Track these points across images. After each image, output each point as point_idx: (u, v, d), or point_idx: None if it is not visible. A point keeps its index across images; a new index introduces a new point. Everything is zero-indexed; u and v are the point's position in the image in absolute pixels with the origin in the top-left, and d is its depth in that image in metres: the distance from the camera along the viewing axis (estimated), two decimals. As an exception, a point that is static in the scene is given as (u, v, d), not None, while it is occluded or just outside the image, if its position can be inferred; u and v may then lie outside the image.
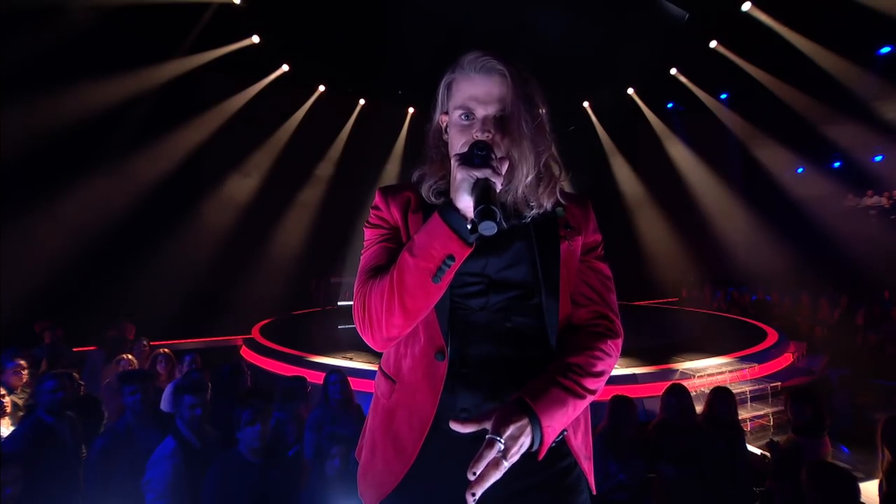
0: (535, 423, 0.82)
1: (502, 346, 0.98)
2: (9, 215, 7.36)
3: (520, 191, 0.98)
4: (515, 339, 0.98)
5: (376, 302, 0.90)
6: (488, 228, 0.75)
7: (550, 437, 0.84)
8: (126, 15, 7.96)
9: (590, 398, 0.92)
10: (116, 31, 8.11)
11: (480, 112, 0.94)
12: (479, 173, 0.81)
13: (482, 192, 0.79)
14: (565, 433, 1.00)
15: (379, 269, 0.95)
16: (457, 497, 0.95)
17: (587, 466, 1.04)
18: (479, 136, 0.93)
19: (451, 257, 0.84)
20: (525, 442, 0.80)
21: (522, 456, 0.81)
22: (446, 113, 1.02)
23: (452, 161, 0.84)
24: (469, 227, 0.82)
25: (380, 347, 0.97)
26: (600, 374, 0.95)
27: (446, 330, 0.97)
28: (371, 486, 1.03)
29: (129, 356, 4.01)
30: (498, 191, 0.82)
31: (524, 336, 0.98)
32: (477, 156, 0.83)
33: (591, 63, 10.27)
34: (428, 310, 0.92)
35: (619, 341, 1.02)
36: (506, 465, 0.77)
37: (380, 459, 1.03)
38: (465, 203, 0.82)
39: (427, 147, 1.09)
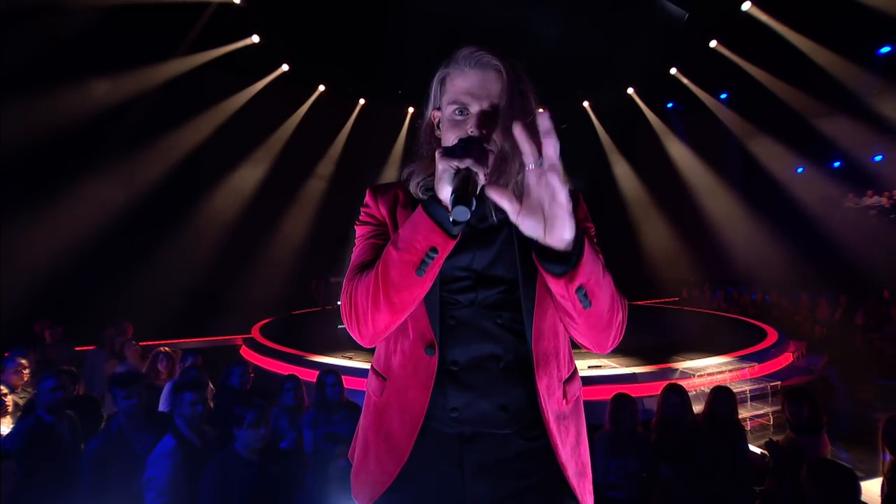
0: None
1: (492, 343, 0.96)
2: (9, 215, 7.36)
3: (510, 186, 0.95)
4: (504, 336, 0.96)
5: (362, 297, 0.89)
6: (461, 214, 0.73)
7: (581, 240, 0.79)
8: (126, 14, 7.97)
9: (611, 291, 0.86)
10: (116, 30, 8.11)
11: (475, 107, 0.93)
12: (458, 163, 0.79)
13: (462, 180, 0.77)
14: (567, 385, 1.00)
15: (365, 266, 0.94)
16: (449, 496, 0.94)
17: (577, 482, 0.98)
18: (473, 131, 0.91)
19: (434, 249, 0.82)
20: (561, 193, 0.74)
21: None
22: (439, 108, 1.01)
23: (437, 154, 0.82)
24: (451, 218, 0.79)
25: (368, 343, 0.95)
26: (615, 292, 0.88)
27: (436, 324, 0.95)
28: (365, 486, 1.02)
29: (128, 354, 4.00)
30: (482, 182, 0.79)
31: (514, 332, 0.96)
32: (459, 147, 0.82)
33: (591, 63, 10.29)
34: (414, 304, 0.89)
35: (626, 302, 0.93)
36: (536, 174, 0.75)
37: (373, 458, 1.01)
38: (447, 194, 0.80)
39: (418, 144, 1.07)
